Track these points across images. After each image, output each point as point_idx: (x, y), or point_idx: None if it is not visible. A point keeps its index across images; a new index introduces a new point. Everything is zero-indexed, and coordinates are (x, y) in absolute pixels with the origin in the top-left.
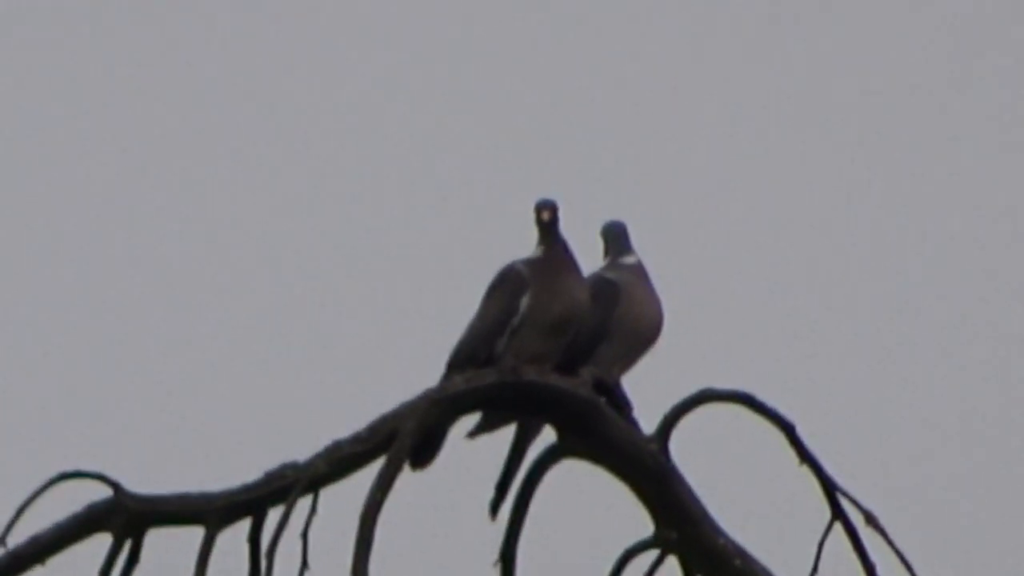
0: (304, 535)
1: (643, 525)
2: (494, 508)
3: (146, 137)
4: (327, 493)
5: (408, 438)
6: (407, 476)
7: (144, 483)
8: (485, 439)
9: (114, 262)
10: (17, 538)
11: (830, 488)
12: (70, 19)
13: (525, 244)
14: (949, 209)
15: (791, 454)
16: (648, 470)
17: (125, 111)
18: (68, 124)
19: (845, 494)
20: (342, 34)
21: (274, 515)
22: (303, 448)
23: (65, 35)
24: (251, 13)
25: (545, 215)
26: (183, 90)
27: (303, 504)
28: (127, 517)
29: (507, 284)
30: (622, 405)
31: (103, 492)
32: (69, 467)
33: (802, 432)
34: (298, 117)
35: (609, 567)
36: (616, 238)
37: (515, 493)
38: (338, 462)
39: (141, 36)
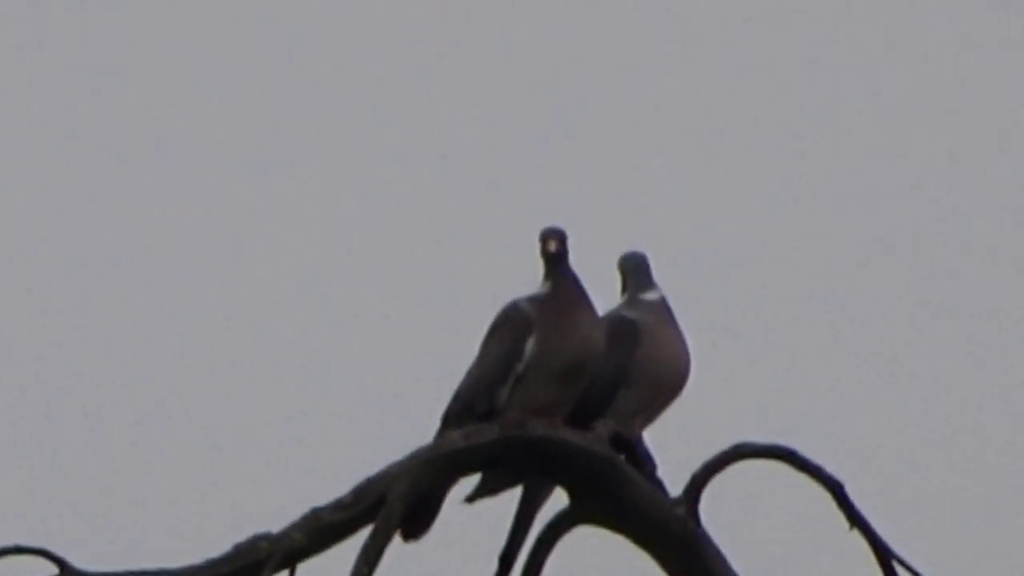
0: None
1: None
2: None
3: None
4: (305, 568)
5: (398, 504)
6: (397, 547)
7: (94, 559)
8: (486, 504)
9: (67, 317)
10: None
11: (884, 555)
12: (66, 17)
13: (530, 281)
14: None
15: (839, 516)
16: (674, 537)
17: (124, 111)
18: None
19: (901, 562)
20: (343, 44)
21: None
22: (277, 517)
23: (61, 34)
24: (252, 12)
25: (552, 245)
26: (183, 89)
27: None
28: None
29: (509, 325)
30: (644, 463)
31: (48, 570)
32: (7, 542)
33: (851, 491)
34: (285, 147)
35: None
36: (635, 272)
37: (522, 566)
38: (318, 532)
39: (139, 35)
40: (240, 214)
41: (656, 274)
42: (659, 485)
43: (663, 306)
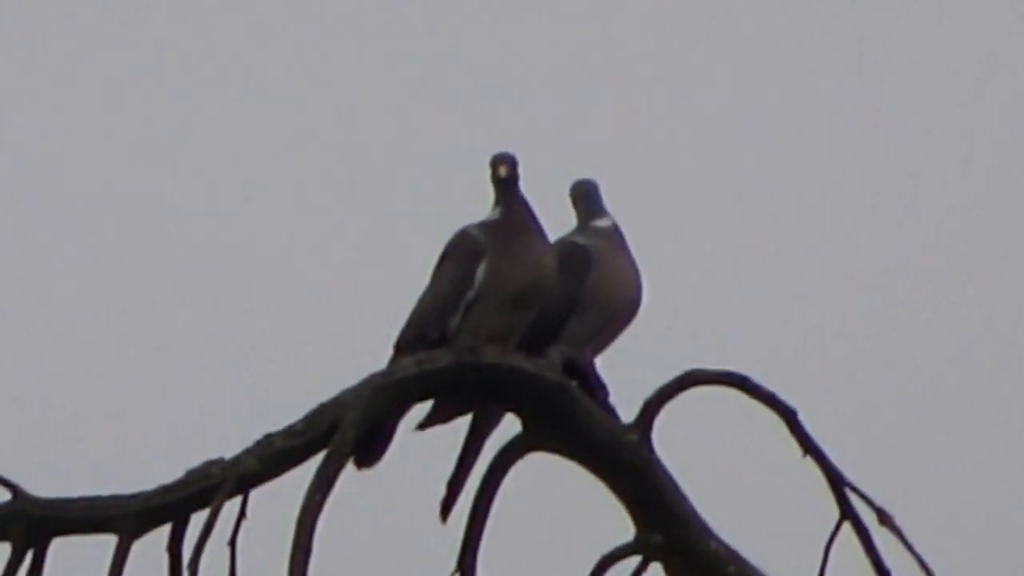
0: (232, 543)
1: (623, 527)
2: (445, 510)
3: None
4: (258, 494)
5: (351, 430)
6: (350, 474)
7: (48, 486)
8: (438, 430)
9: (33, 252)
10: None
11: (838, 482)
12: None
13: (481, 207)
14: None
15: (792, 444)
16: (627, 464)
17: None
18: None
19: (855, 489)
20: None
21: (197, 520)
22: (229, 443)
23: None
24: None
25: (502, 170)
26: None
27: (230, 507)
28: (28, 524)
29: (460, 252)
30: (596, 389)
31: (1, 496)
32: None
33: (805, 419)
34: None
35: None
36: (587, 198)
37: (474, 493)
38: (270, 458)
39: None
40: (195, 142)
41: (607, 201)
42: (611, 412)
43: (615, 233)
